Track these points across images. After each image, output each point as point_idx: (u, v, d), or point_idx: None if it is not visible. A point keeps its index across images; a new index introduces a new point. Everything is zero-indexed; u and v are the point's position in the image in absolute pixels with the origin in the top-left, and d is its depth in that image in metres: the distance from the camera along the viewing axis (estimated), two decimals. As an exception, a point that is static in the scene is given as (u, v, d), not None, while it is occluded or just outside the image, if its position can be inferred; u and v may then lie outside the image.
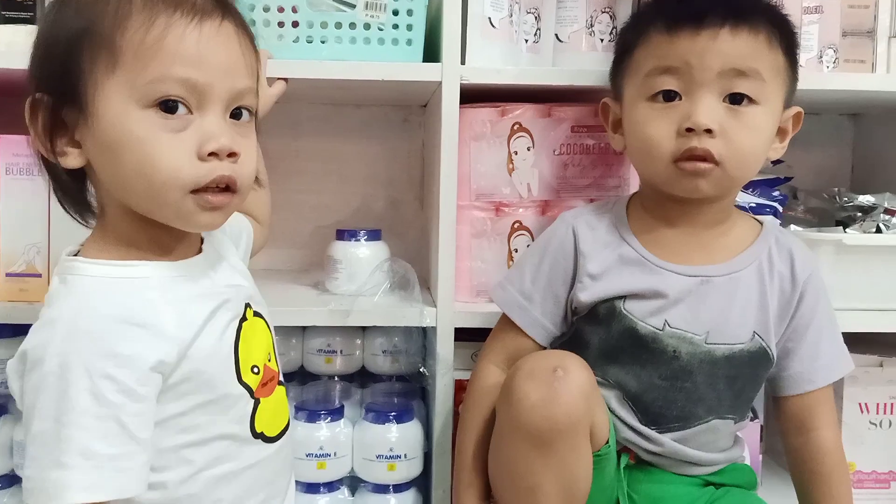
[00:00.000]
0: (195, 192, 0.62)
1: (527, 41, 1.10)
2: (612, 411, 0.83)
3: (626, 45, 0.87)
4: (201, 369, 0.65)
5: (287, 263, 1.31)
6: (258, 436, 0.70)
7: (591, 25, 1.09)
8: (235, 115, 0.65)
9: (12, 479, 1.00)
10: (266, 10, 0.96)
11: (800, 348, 0.85)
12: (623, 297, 0.83)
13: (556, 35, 1.12)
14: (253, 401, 0.70)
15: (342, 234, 1.08)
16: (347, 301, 0.99)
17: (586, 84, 0.97)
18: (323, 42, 0.97)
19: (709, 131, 0.77)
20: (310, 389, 1.13)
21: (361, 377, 1.20)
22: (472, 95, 1.00)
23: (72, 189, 0.67)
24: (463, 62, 0.98)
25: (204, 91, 0.62)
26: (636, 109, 0.83)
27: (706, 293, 0.82)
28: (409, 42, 0.98)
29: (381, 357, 1.17)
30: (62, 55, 0.61)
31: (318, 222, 1.30)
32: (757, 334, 0.83)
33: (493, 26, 1.01)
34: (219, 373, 0.67)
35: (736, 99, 0.79)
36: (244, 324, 0.71)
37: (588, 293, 0.85)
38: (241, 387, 0.68)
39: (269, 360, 0.74)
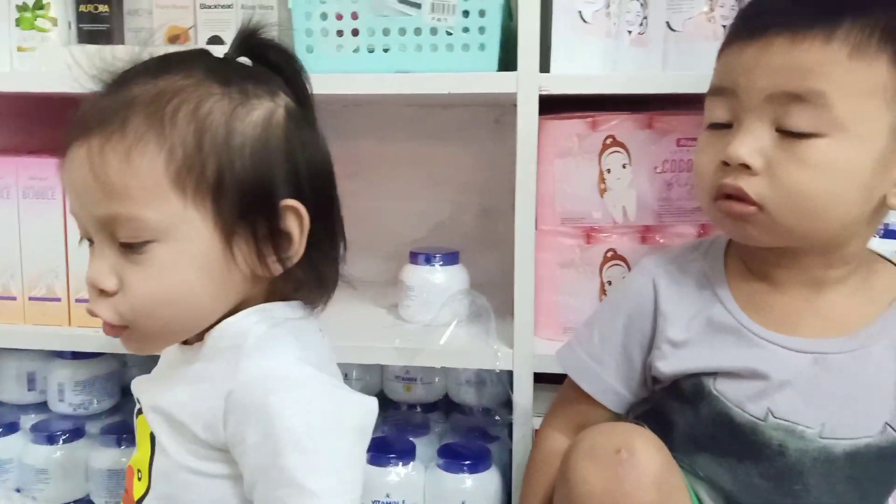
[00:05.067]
0: None
1: (630, 32, 0.93)
2: None
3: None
4: None
5: (374, 274, 1.22)
6: None
7: (712, 10, 0.91)
8: (127, 246, 0.56)
9: (89, 504, 1.02)
10: (324, 17, 0.87)
11: None
12: (713, 374, 0.68)
13: (668, 23, 0.94)
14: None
15: (416, 258, 0.99)
16: (416, 338, 0.90)
17: (698, 90, 0.80)
18: (386, 51, 0.87)
19: (746, 167, 0.61)
20: (389, 421, 1.06)
21: (445, 406, 1.12)
22: (563, 100, 0.86)
23: None
24: (546, 68, 0.84)
25: (80, 225, 0.58)
26: (699, 136, 0.70)
27: (822, 375, 0.65)
28: (481, 47, 0.85)
29: (465, 387, 1.08)
30: None
31: (407, 231, 1.21)
32: (890, 427, 0.65)
33: (584, 21, 0.87)
34: None
35: (797, 130, 0.61)
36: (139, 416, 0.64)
37: (667, 363, 0.70)
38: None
39: (140, 478, 0.62)
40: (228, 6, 1.04)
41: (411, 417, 1.08)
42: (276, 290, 0.62)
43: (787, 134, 0.61)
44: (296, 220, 0.59)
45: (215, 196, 0.56)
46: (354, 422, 0.58)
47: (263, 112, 0.58)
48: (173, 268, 0.56)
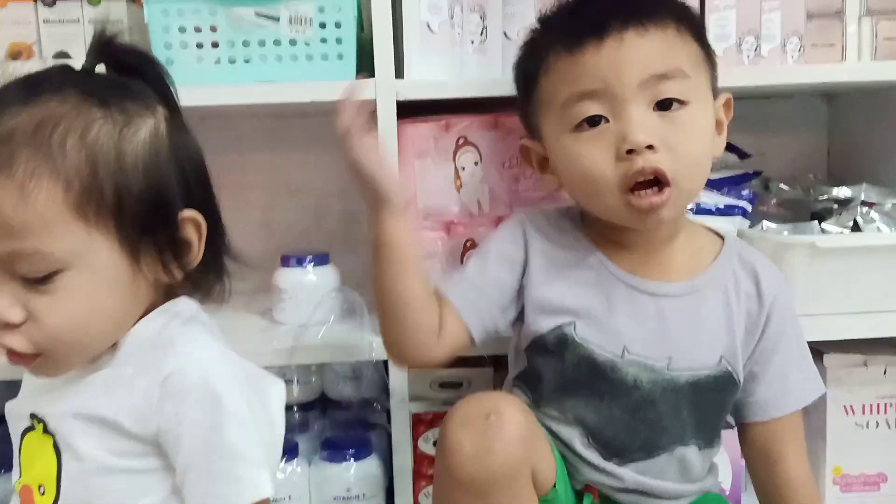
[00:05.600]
0: None
1: (472, 42, 1.02)
2: (573, 451, 0.78)
3: (527, 77, 0.79)
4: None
5: (239, 286, 1.24)
6: None
7: (542, 20, 1.02)
8: (32, 279, 0.56)
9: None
10: (182, 30, 0.89)
11: (767, 372, 0.79)
12: (574, 323, 0.77)
13: (505, 32, 1.04)
14: None
15: (287, 261, 1.02)
16: (292, 336, 0.93)
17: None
18: (247, 62, 0.91)
19: (650, 147, 0.70)
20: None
21: (323, 403, 1.15)
22: (411, 104, 0.93)
23: None
24: (401, 75, 0.91)
25: None
26: (562, 144, 0.74)
27: (666, 314, 0.76)
28: (339, 56, 0.91)
29: (342, 382, 1.11)
30: None
31: (270, 240, 1.23)
32: (724, 359, 0.77)
33: (431, 31, 0.94)
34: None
35: (665, 105, 0.71)
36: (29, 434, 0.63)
37: (541, 291, 0.77)
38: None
39: (42, 492, 0.61)
40: (75, 20, 1.02)
41: (289, 418, 1.10)
42: (175, 289, 0.64)
43: (663, 111, 0.71)
44: (194, 228, 0.61)
45: (117, 218, 0.57)
46: (274, 399, 0.64)
47: (148, 129, 0.59)
48: (85, 293, 0.57)
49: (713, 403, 0.79)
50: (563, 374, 0.78)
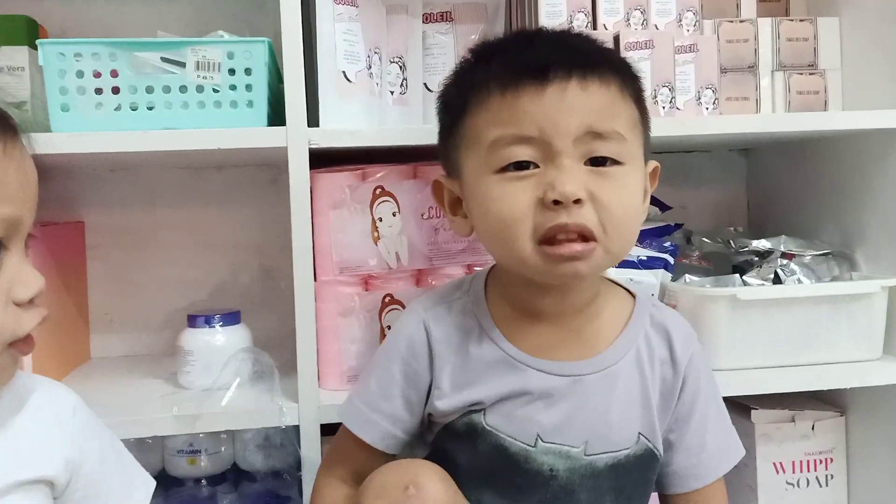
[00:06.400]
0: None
1: (392, 93, 1.01)
2: None
3: (454, 110, 0.73)
4: None
5: (149, 347, 1.17)
6: None
7: (462, 72, 1.01)
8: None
9: None
10: (80, 75, 0.84)
11: (683, 440, 0.74)
12: (483, 410, 0.71)
13: (425, 84, 1.03)
14: None
15: (194, 321, 0.95)
16: (195, 403, 0.86)
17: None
18: (150, 109, 0.85)
19: (577, 202, 0.64)
20: (172, 500, 0.99)
21: (234, 474, 1.07)
22: (335, 154, 0.89)
23: None
24: (316, 123, 0.87)
25: (15, 226, 0.55)
26: (483, 184, 0.68)
27: (580, 395, 0.71)
28: (249, 104, 0.87)
29: (253, 451, 1.04)
30: None
31: (184, 298, 1.17)
32: (642, 435, 0.72)
33: (349, 80, 0.92)
34: None
35: (598, 161, 0.67)
36: None
37: (446, 401, 0.72)
38: None
39: None
40: (-31, 68, 0.96)
41: (197, 493, 1.02)
42: None
43: (595, 166, 0.66)
44: None
45: None
46: None
47: None
48: None
49: (637, 483, 0.73)
50: (475, 463, 0.72)
